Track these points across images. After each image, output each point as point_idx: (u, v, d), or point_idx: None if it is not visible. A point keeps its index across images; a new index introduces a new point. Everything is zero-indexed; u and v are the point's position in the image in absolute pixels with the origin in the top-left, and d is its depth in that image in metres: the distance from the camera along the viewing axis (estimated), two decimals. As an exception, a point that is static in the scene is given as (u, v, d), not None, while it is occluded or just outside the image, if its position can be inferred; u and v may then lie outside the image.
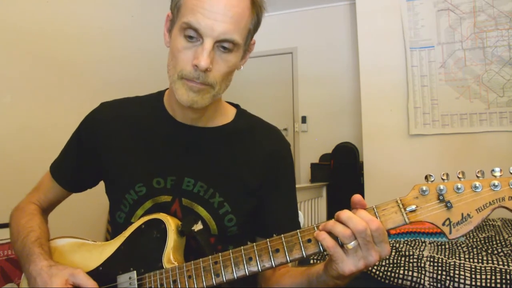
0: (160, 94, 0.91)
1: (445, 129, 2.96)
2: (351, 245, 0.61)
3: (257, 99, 4.07)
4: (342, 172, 3.41)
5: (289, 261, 0.65)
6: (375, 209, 0.64)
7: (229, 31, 0.72)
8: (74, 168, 0.91)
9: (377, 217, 0.63)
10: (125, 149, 0.86)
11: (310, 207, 3.00)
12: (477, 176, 0.60)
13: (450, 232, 0.60)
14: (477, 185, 0.59)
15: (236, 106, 0.94)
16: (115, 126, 0.87)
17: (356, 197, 0.65)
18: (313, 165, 3.64)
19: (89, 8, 2.48)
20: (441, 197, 0.61)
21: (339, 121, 3.97)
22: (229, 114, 0.90)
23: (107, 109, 0.91)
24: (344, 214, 0.62)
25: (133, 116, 0.88)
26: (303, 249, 0.65)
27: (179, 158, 0.84)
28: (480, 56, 2.89)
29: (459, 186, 0.60)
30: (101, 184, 0.95)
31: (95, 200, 2.24)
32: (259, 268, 0.66)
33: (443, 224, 0.60)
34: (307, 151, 3.95)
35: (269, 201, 0.88)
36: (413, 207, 0.61)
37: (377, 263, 0.64)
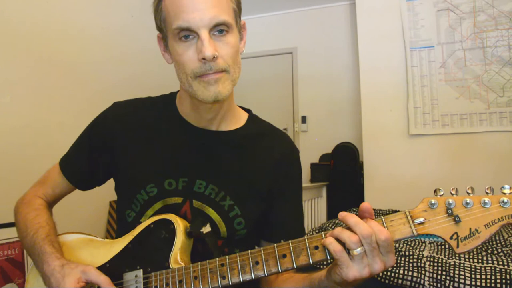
0: (173, 95, 0.92)
1: (445, 129, 2.96)
2: (357, 251, 0.61)
3: (257, 99, 4.06)
4: (342, 172, 3.41)
5: (295, 267, 0.66)
6: (383, 219, 0.64)
7: (217, 14, 0.73)
8: (85, 166, 0.91)
9: (385, 228, 0.63)
10: (137, 149, 0.87)
11: (310, 207, 3.00)
12: (486, 192, 0.61)
13: (458, 246, 0.60)
14: (486, 201, 0.60)
15: (248, 111, 0.96)
16: (128, 125, 0.88)
17: (365, 205, 0.65)
18: (313, 165, 3.64)
19: (89, 8, 2.49)
20: (449, 211, 0.61)
21: (339, 121, 3.97)
22: (241, 119, 0.92)
23: (120, 108, 0.91)
24: (351, 218, 0.63)
25: (146, 117, 0.89)
26: (310, 256, 0.65)
27: (191, 161, 0.85)
28: (480, 56, 2.89)
29: (468, 201, 0.60)
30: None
31: (95, 199, 2.24)
32: (265, 272, 0.67)
33: (451, 238, 0.61)
34: (307, 151, 3.95)
35: (277, 206, 0.89)
36: (422, 219, 0.62)
37: (381, 273, 0.65)
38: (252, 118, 0.94)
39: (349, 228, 0.63)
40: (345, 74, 3.95)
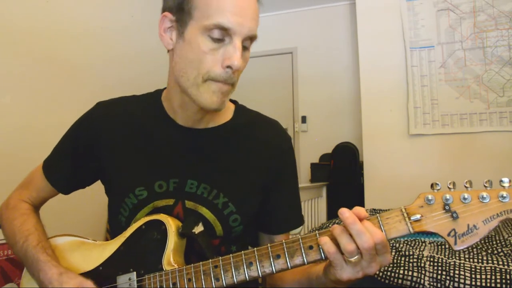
0: (158, 94, 0.89)
1: (445, 129, 2.96)
2: (353, 259, 0.60)
3: (257, 99, 4.05)
4: (342, 172, 3.41)
5: (289, 267, 0.65)
6: (379, 217, 0.62)
7: (254, 28, 0.72)
8: (68, 171, 0.89)
9: (380, 226, 0.61)
10: (124, 150, 0.84)
11: (310, 207, 3.00)
12: (485, 186, 0.58)
13: (455, 243, 0.58)
14: (485, 195, 0.57)
15: (234, 102, 0.92)
16: (113, 126, 0.85)
17: (357, 209, 0.63)
18: (313, 165, 3.64)
19: (89, 8, 2.48)
20: (447, 207, 0.59)
21: (339, 121, 3.97)
22: (228, 111, 0.88)
23: (104, 108, 0.88)
24: (355, 226, 0.59)
25: (131, 116, 0.86)
26: (304, 256, 0.64)
27: (181, 161, 0.83)
28: (480, 56, 2.89)
29: (466, 196, 0.58)
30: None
31: (95, 199, 2.24)
32: (259, 273, 0.66)
33: (448, 235, 0.58)
34: (307, 151, 3.95)
35: (273, 196, 0.87)
36: (418, 216, 0.60)
37: (381, 273, 0.63)
38: (239, 109, 0.91)
39: (351, 233, 0.60)
40: (345, 74, 3.95)
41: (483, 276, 1.33)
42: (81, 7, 2.43)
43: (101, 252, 0.81)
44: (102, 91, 2.43)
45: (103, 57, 2.57)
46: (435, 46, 3.01)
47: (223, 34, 0.70)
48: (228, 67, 0.70)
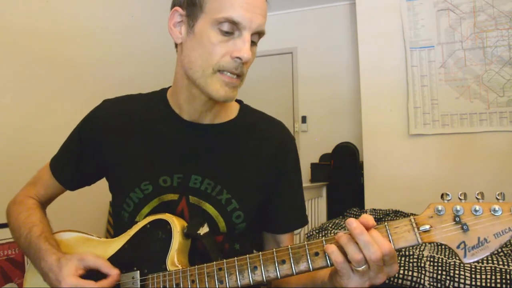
0: (164, 91, 0.91)
1: (445, 129, 2.96)
2: (361, 268, 0.60)
3: (257, 99, 4.04)
4: (342, 172, 3.41)
5: (294, 273, 0.64)
6: (387, 226, 0.61)
7: (263, 24, 0.75)
8: (75, 167, 0.91)
9: (388, 235, 0.61)
10: (129, 146, 0.85)
11: (310, 207, 3.00)
12: (497, 199, 0.57)
13: (465, 256, 0.57)
14: (497, 208, 0.56)
15: (239, 101, 0.94)
16: (119, 123, 0.87)
17: (365, 218, 0.62)
18: (313, 165, 3.64)
19: (89, 8, 2.48)
20: (457, 219, 0.58)
21: (339, 121, 3.97)
22: (233, 110, 0.90)
23: (110, 106, 0.90)
24: (362, 237, 0.59)
25: (137, 113, 0.88)
26: (309, 262, 0.64)
27: (185, 156, 0.84)
28: (480, 56, 2.89)
29: (477, 209, 0.57)
30: (102, 182, 0.94)
31: (95, 199, 2.25)
32: (264, 278, 0.66)
33: (458, 247, 0.57)
34: (307, 151, 3.95)
35: (277, 195, 0.88)
36: (427, 227, 0.59)
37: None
38: (244, 109, 0.92)
39: (358, 244, 0.60)
40: (345, 74, 3.95)
41: (483, 276, 1.33)
42: (81, 7, 2.43)
43: (105, 249, 0.81)
44: (102, 91, 2.42)
45: (103, 57, 2.57)
46: (435, 46, 3.01)
47: (232, 27, 0.72)
48: (238, 58, 0.73)
